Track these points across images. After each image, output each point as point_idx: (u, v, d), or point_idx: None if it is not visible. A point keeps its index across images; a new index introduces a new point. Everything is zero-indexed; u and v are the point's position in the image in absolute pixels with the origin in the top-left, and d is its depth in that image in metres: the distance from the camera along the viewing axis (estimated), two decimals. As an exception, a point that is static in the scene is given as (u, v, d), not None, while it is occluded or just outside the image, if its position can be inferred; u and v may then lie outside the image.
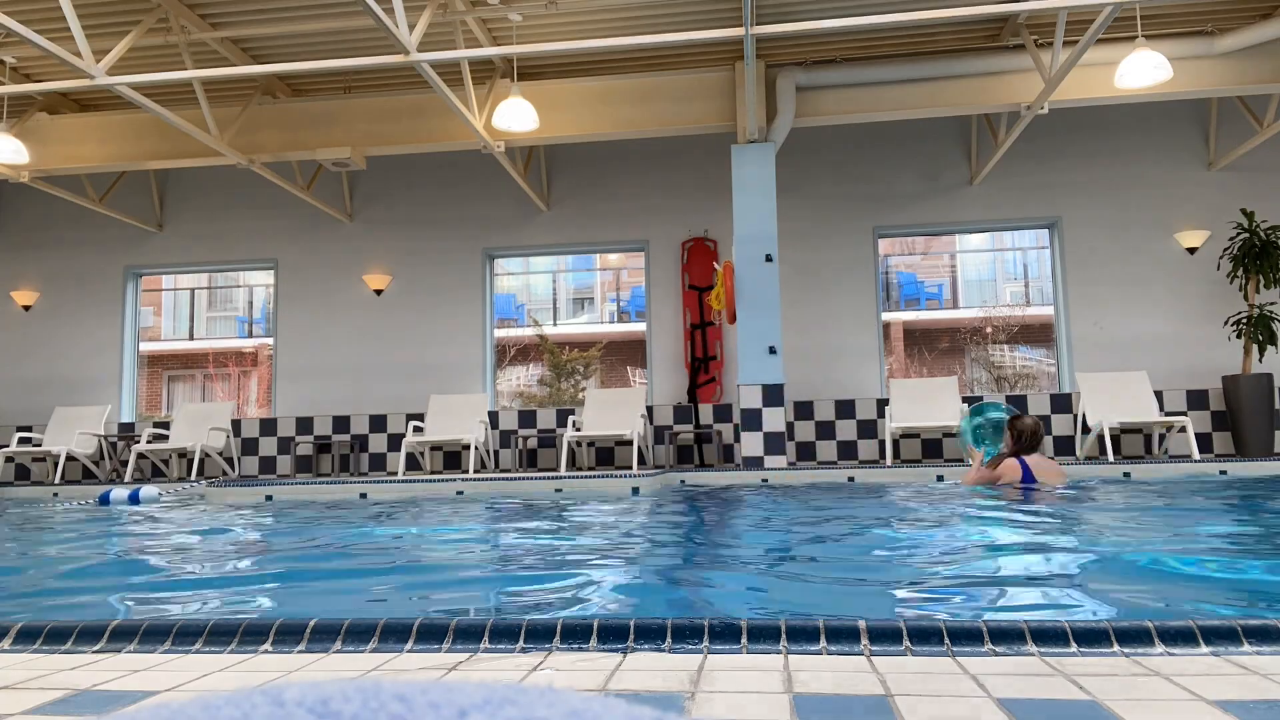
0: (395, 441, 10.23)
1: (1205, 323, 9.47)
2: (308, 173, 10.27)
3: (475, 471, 9.23)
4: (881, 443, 9.51)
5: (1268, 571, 2.58)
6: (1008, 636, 1.38)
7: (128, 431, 10.72)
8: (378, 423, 10.42)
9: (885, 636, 1.40)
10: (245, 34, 8.12)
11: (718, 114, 8.83)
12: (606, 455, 9.95)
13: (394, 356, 10.56)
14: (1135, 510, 4.57)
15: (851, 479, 7.41)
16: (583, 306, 20.17)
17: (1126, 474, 6.95)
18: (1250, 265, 8.85)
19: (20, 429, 10.45)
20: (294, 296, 10.85)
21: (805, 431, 9.73)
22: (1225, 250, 9.17)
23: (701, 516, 4.83)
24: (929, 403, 9.06)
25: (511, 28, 8.20)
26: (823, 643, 1.40)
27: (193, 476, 9.46)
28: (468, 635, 1.48)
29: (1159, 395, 9.27)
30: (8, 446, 9.77)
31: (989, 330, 17.62)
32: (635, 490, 6.77)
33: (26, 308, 11.19)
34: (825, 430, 9.73)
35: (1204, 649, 1.34)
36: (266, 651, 1.48)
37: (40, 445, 9.85)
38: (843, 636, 1.40)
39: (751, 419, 8.21)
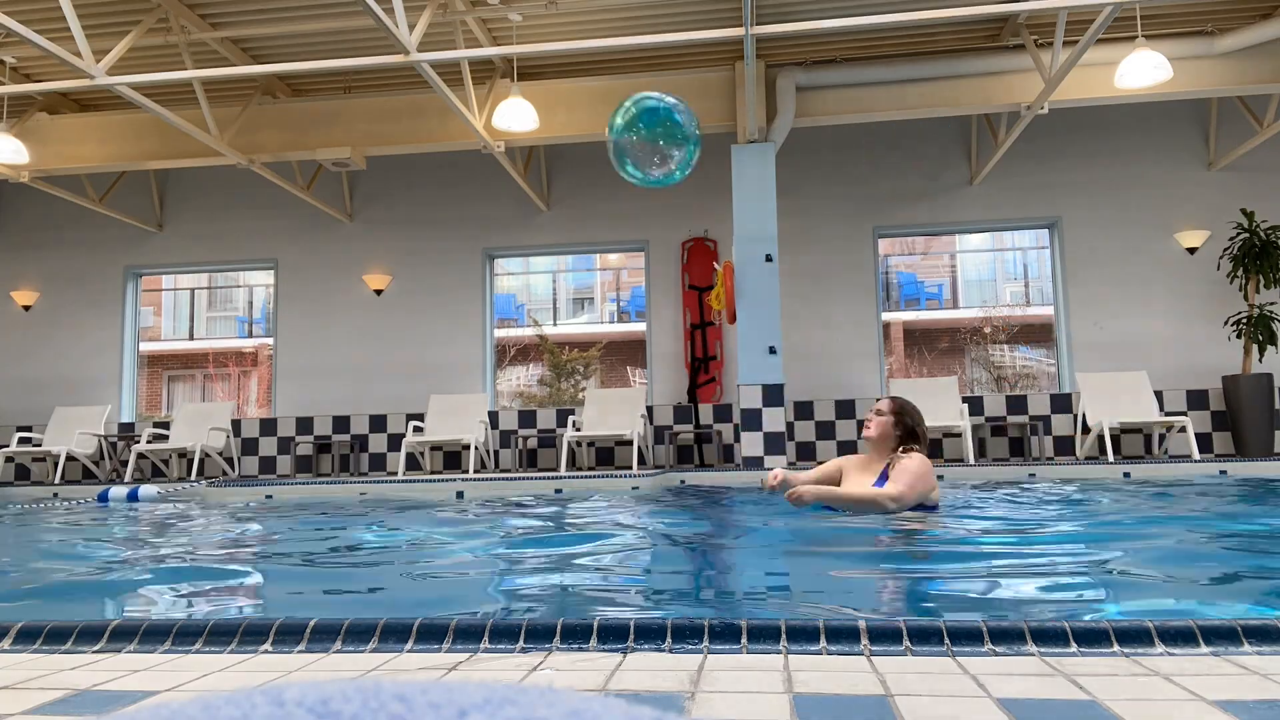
0: (395, 441, 10.23)
1: (1205, 323, 9.46)
2: (308, 173, 10.27)
3: (475, 472, 9.23)
4: (881, 443, 9.49)
5: (1268, 571, 2.58)
6: (1008, 636, 1.38)
7: (128, 431, 10.72)
8: (378, 423, 10.42)
9: (885, 636, 1.40)
10: (245, 34, 8.12)
11: (718, 114, 8.83)
12: (606, 455, 9.95)
13: (394, 356, 10.56)
14: (1135, 510, 4.57)
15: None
16: (583, 306, 20.17)
17: (1127, 474, 6.95)
18: (1250, 265, 8.85)
19: (20, 429, 10.45)
20: (294, 296, 10.85)
21: (805, 431, 9.73)
22: (1225, 250, 9.16)
23: (701, 516, 4.83)
24: (929, 403, 9.04)
25: (511, 28, 8.20)
26: (823, 643, 1.40)
27: (193, 476, 9.45)
28: (468, 635, 1.48)
29: (1159, 395, 9.27)
30: (8, 446, 9.77)
31: (989, 330, 17.62)
32: (635, 490, 6.77)
33: (26, 308, 11.19)
34: (825, 430, 9.73)
35: (1204, 649, 1.34)
36: (266, 651, 1.48)
37: (40, 445, 9.85)
38: (843, 636, 1.40)
39: (751, 419, 8.21)
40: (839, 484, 3.95)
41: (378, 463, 10.39)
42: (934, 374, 17.38)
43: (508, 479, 7.39)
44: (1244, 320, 8.81)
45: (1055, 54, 7.41)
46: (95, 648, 1.53)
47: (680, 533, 4.00)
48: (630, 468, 8.82)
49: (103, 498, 6.91)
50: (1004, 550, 3.04)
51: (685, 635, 1.43)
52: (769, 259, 8.27)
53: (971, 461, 8.26)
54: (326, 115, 9.21)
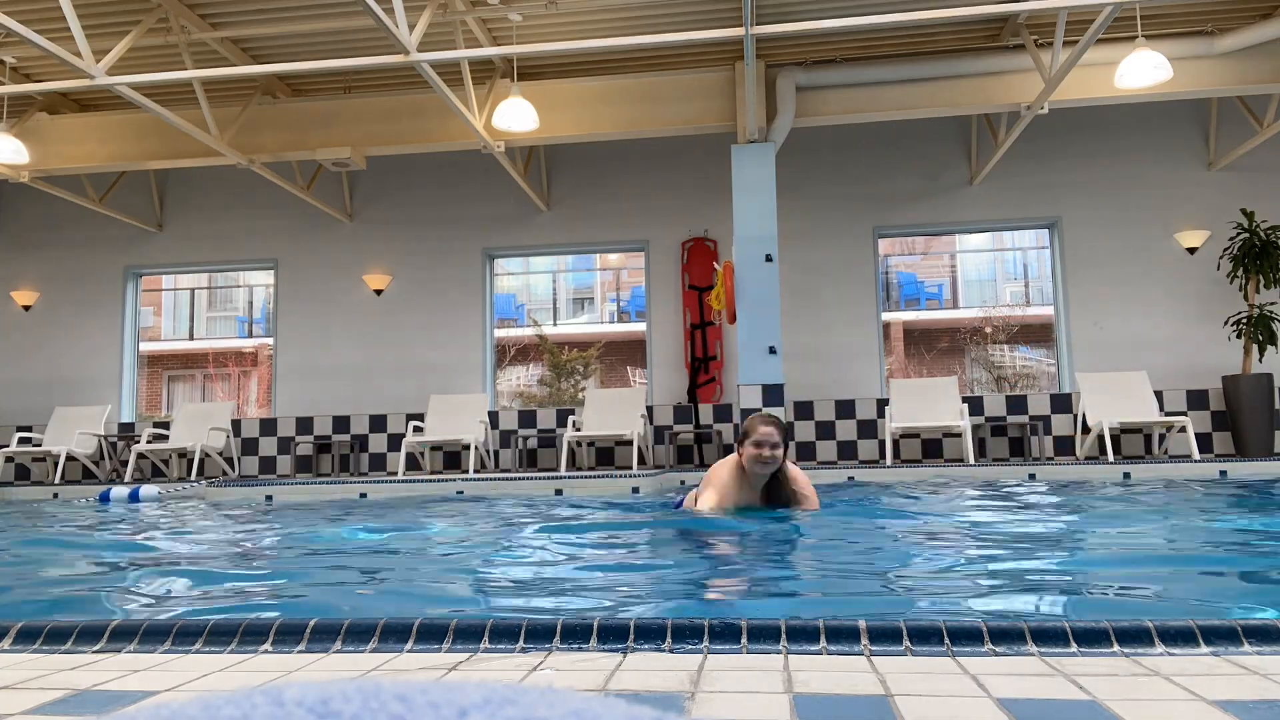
0: (395, 441, 10.23)
1: (1205, 323, 9.46)
2: (308, 173, 10.27)
3: (475, 471, 9.23)
4: (881, 443, 9.51)
5: (1268, 571, 2.58)
6: (1008, 636, 1.38)
7: (128, 431, 10.72)
8: (378, 423, 10.42)
9: (885, 636, 1.40)
10: (245, 34, 8.12)
11: (718, 114, 8.83)
12: (606, 455, 9.95)
13: (394, 356, 10.56)
14: (1135, 510, 4.58)
15: (851, 479, 7.41)
16: (583, 306, 20.17)
17: (1126, 474, 6.95)
18: (1250, 265, 8.85)
19: (20, 429, 10.45)
20: (294, 296, 10.85)
21: (805, 431, 9.73)
22: (1225, 250, 9.16)
23: (701, 517, 4.82)
24: (929, 403, 9.06)
25: (511, 28, 8.20)
26: (823, 643, 1.40)
27: (193, 476, 9.45)
28: (468, 635, 1.48)
29: (1159, 395, 9.27)
30: (8, 446, 9.77)
31: (989, 330, 17.62)
32: (635, 490, 6.77)
33: (26, 308, 11.19)
34: (825, 430, 9.73)
35: (1204, 649, 1.34)
36: (266, 651, 1.48)
37: (40, 445, 9.85)
38: (843, 636, 1.40)
39: (751, 419, 8.20)
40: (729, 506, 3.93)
41: (378, 463, 10.39)
42: (934, 374, 17.38)
43: (508, 479, 7.39)
44: (1244, 320, 8.81)
45: (1055, 54, 7.41)
46: (95, 648, 1.53)
47: (680, 533, 4.00)
48: (630, 468, 8.82)
49: (104, 498, 6.91)
50: (1004, 550, 3.04)
51: (685, 635, 1.43)
52: (769, 259, 8.27)
53: (971, 462, 8.26)
54: (326, 115, 9.21)
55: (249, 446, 10.58)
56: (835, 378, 9.84)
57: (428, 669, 1.35)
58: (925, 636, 1.39)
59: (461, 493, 6.89)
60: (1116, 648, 1.35)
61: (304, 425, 10.52)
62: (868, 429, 9.67)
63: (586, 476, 7.45)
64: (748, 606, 2.23)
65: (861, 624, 1.42)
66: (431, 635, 1.48)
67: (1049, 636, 1.38)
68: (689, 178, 10.35)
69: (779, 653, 1.37)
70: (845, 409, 9.74)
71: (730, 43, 8.50)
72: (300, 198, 10.13)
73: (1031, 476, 7.05)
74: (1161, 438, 9.25)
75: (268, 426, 10.60)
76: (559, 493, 6.69)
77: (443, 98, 7.44)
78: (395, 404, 10.39)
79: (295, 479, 8.91)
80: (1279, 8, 8.15)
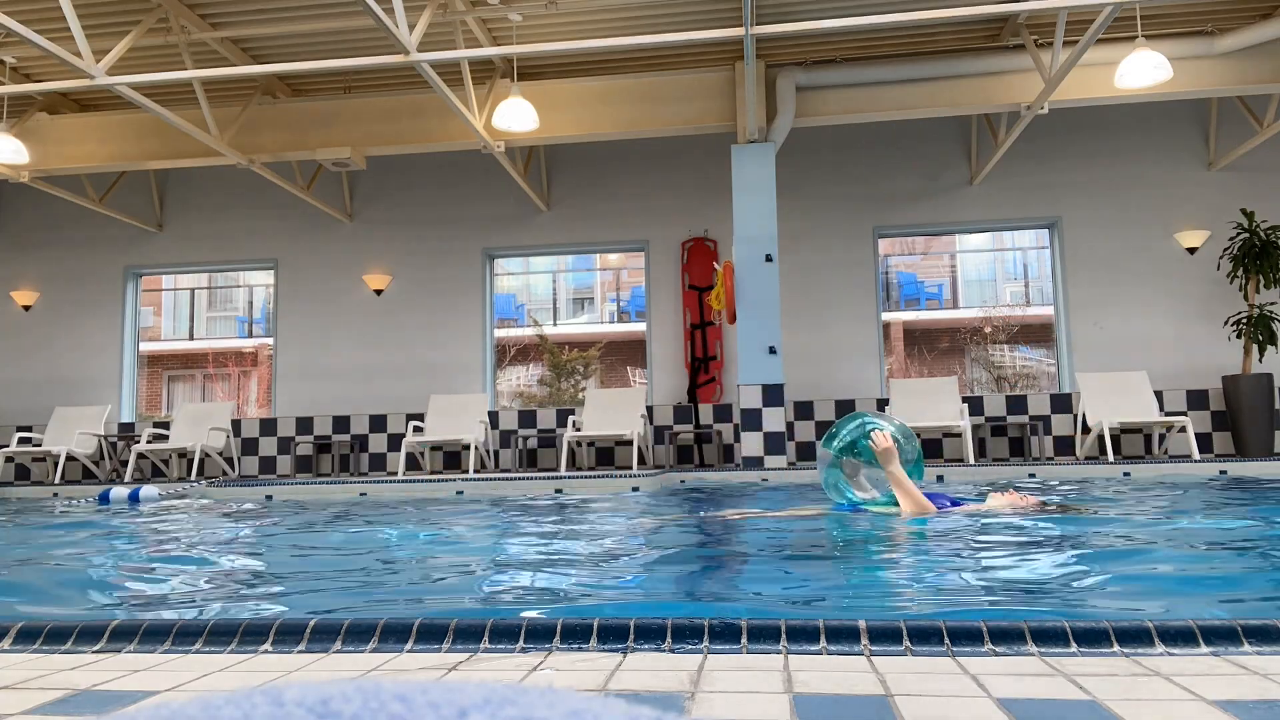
0: (395, 441, 10.23)
1: (1205, 323, 9.47)
2: (308, 173, 10.27)
3: (475, 471, 9.23)
4: (881, 443, 9.49)
5: (1268, 571, 2.58)
6: (1008, 636, 1.38)
7: (128, 431, 10.72)
8: (378, 423, 10.42)
9: (885, 636, 1.40)
10: (245, 34, 8.12)
11: (718, 114, 8.83)
12: (606, 455, 9.95)
13: (394, 356, 10.56)
14: (1135, 510, 4.57)
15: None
16: (583, 306, 20.16)
17: (1126, 474, 6.95)
18: (1250, 265, 8.85)
19: (20, 429, 10.45)
20: (294, 296, 10.85)
21: (805, 431, 9.73)
22: (1225, 250, 9.17)
23: (701, 516, 4.83)
24: (929, 403, 9.06)
25: (511, 28, 8.20)
26: (823, 643, 1.40)
27: (193, 476, 9.45)
28: (468, 635, 1.48)
29: (1159, 395, 9.27)
30: (8, 446, 9.77)
31: (989, 330, 17.62)
32: (635, 490, 6.77)
33: (26, 308, 11.19)
34: (825, 430, 9.71)
35: (1204, 649, 1.34)
36: (266, 651, 1.48)
37: (40, 445, 9.85)
38: (843, 636, 1.40)
39: (751, 419, 8.21)
40: None
41: (378, 463, 10.39)
42: (934, 374, 17.37)
43: (508, 479, 7.39)
44: (1244, 320, 8.81)
45: (1055, 54, 7.41)
46: (95, 648, 1.53)
47: (680, 532, 4.00)
48: (630, 468, 8.82)
49: (104, 498, 6.91)
50: (1004, 550, 3.04)
51: (685, 635, 1.43)
52: (769, 259, 8.27)
53: (971, 462, 8.26)
54: (326, 115, 9.21)
55: (249, 446, 10.58)
56: (835, 378, 9.84)
57: (428, 669, 1.35)
58: (925, 636, 1.39)
59: (461, 493, 6.89)
60: (1116, 648, 1.35)
61: (304, 425, 10.53)
62: (868, 429, 9.65)
63: (586, 476, 7.45)
64: (748, 606, 2.23)
65: (861, 624, 1.42)
66: (431, 635, 1.48)
67: (1049, 636, 1.38)
68: (689, 178, 10.35)
69: (779, 653, 1.37)
70: (845, 409, 9.74)
71: (730, 43, 8.50)
72: (300, 198, 10.13)
73: (1031, 476, 7.05)
74: (1161, 438, 9.25)
75: (268, 426, 10.60)
76: (559, 492, 6.69)
77: (443, 98, 7.44)
78: (395, 404, 10.40)
79: (295, 479, 8.91)
80: (1279, 8, 8.15)
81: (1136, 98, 8.30)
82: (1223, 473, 7.04)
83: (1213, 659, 1.30)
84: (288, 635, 1.52)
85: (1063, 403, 9.55)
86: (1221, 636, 1.36)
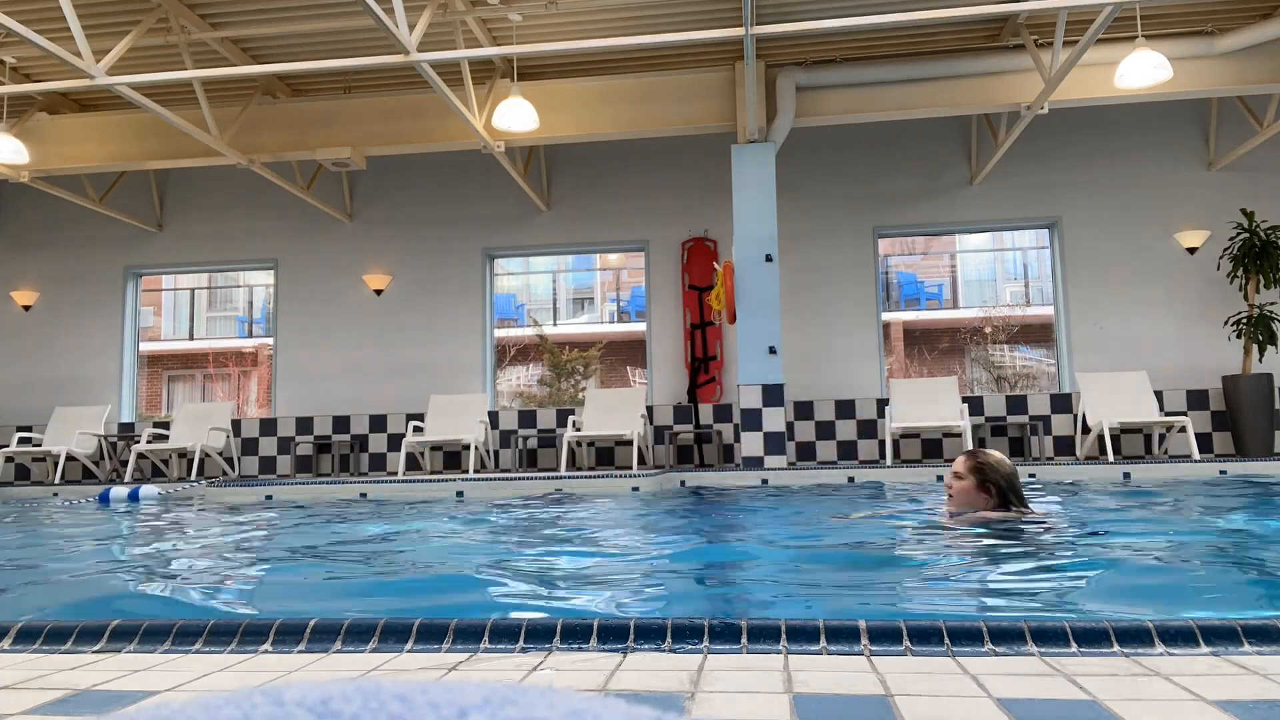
0: (395, 441, 10.23)
1: (1205, 323, 9.46)
2: (308, 173, 10.27)
3: (475, 471, 9.23)
4: (881, 443, 9.51)
5: (1268, 571, 2.58)
6: (1008, 636, 1.38)
7: (128, 431, 10.71)
8: (378, 423, 10.42)
9: (885, 636, 1.40)
10: (245, 34, 8.11)
11: (718, 114, 8.83)
12: (606, 455, 9.95)
13: (394, 356, 10.56)
14: (1135, 510, 4.57)
15: (852, 479, 7.41)
16: (583, 306, 20.16)
17: (1126, 474, 6.95)
18: (1250, 265, 8.85)
19: (20, 429, 10.44)
20: (294, 296, 10.85)
21: (805, 431, 9.73)
22: (1225, 250, 9.16)
23: (701, 516, 4.83)
24: (929, 403, 9.05)
25: (511, 28, 8.20)
26: (823, 643, 1.40)
27: (193, 476, 9.45)
28: (468, 635, 1.48)
29: (1159, 395, 9.27)
30: (8, 446, 9.77)
31: (989, 330, 17.61)
32: (635, 490, 6.77)
33: (26, 308, 11.19)
34: (825, 430, 9.72)
35: (1204, 649, 1.34)
36: (266, 651, 1.48)
37: (40, 445, 9.85)
38: (843, 636, 1.40)
39: (751, 419, 8.21)
40: None
41: (378, 463, 10.39)
42: (934, 374, 17.37)
43: (508, 479, 7.39)
44: (1244, 320, 8.80)
45: (1055, 54, 7.41)
46: (95, 648, 1.53)
47: (681, 533, 4.00)
48: (630, 468, 8.82)
49: (104, 498, 6.91)
50: (1004, 550, 3.04)
51: (685, 635, 1.43)
52: (769, 259, 8.27)
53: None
54: (326, 115, 9.21)
55: (249, 446, 10.58)
56: (835, 378, 9.83)
57: (428, 669, 1.35)
58: (925, 636, 1.39)
59: (461, 493, 6.89)
60: (1116, 648, 1.35)
61: (304, 425, 10.52)
62: (868, 429, 9.67)
63: (586, 476, 7.45)
64: (748, 606, 2.23)
65: (861, 624, 1.42)
66: (431, 635, 1.48)
67: (1049, 636, 1.38)
68: (689, 178, 10.35)
69: (779, 653, 1.37)
70: (845, 409, 9.74)
71: (730, 43, 8.50)
72: (300, 198, 10.13)
73: (1032, 477, 7.05)
74: (1162, 438, 9.25)
75: (268, 426, 10.60)
76: (559, 492, 6.69)
77: (443, 98, 7.44)
78: (395, 404, 10.39)
79: (295, 479, 8.91)
80: (1279, 8, 8.15)
81: (1136, 98, 8.30)
82: (1223, 473, 7.04)
83: (1213, 659, 1.30)
84: (288, 635, 1.51)
85: (1063, 403, 9.55)
86: (1222, 636, 1.36)
